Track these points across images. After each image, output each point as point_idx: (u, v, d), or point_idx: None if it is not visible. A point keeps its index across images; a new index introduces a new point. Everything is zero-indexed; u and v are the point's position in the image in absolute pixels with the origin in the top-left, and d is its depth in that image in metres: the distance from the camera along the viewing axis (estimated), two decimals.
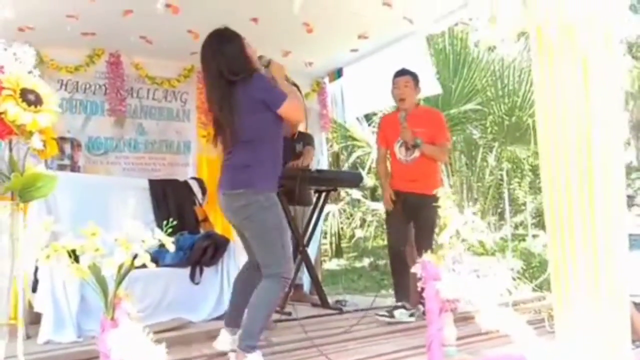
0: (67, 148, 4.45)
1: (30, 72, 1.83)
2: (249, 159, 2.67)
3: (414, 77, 4.02)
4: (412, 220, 3.94)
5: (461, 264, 2.17)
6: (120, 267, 1.64)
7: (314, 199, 4.55)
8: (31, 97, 1.80)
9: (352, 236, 13.01)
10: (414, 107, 4.03)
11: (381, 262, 12.78)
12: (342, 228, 11.34)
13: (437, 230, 2.16)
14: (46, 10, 3.59)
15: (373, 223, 11.07)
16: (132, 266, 1.66)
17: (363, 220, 11.49)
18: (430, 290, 2.46)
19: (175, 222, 1.69)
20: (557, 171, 1.73)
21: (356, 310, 4.09)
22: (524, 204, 13.00)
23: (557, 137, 1.75)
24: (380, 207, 10.59)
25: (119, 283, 1.67)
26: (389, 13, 3.97)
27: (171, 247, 1.72)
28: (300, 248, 4.26)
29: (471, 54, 9.95)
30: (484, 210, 10.79)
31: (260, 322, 2.63)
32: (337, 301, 4.45)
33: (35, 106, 1.80)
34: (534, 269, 9.64)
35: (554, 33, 1.75)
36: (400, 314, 3.67)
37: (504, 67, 9.74)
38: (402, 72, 4.04)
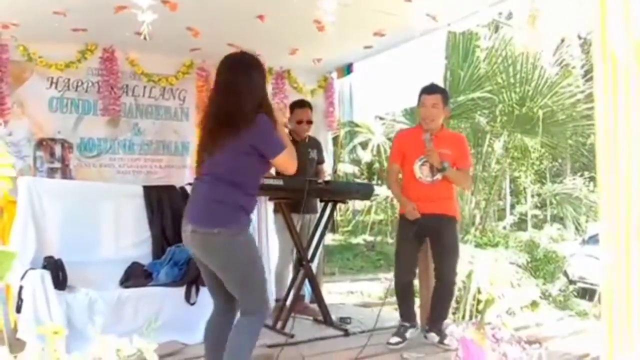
0: (58, 150, 4.17)
1: None
2: (228, 195, 2.47)
3: (444, 96, 3.63)
4: (427, 242, 3.72)
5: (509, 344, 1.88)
6: None
7: (320, 208, 4.27)
8: None
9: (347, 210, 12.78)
10: (440, 128, 3.65)
11: (377, 240, 12.65)
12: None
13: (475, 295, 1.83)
14: (29, 7, 3.28)
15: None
16: None
17: None
18: None
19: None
20: (616, 200, 1.68)
21: (362, 332, 3.84)
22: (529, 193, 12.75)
23: (618, 164, 1.68)
24: (381, 191, 10.26)
25: None
26: (410, 9, 3.58)
27: (153, 358, 1.43)
28: (303, 262, 4.01)
29: (480, 40, 9.58)
30: (489, 199, 10.51)
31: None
32: (341, 319, 4.19)
33: None
34: (539, 262, 9.44)
35: (623, 51, 1.63)
36: (410, 334, 3.61)
37: (516, 54, 9.32)
38: (431, 90, 3.62)
